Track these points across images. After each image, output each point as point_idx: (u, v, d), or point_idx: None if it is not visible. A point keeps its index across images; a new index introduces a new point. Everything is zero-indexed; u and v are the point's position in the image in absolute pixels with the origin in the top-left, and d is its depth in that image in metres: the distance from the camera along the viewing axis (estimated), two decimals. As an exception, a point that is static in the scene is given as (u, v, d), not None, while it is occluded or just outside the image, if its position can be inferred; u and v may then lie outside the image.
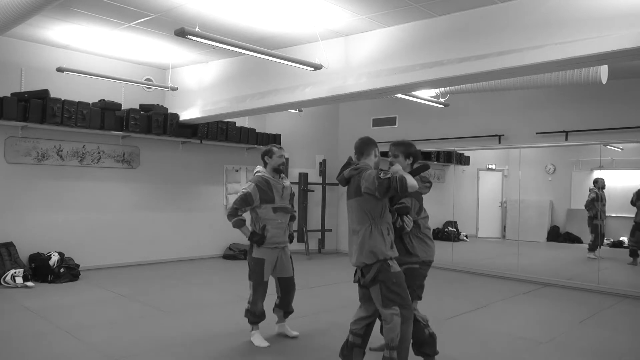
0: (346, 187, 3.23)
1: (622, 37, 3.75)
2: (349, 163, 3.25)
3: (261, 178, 4.02)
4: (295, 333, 4.19)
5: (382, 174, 2.93)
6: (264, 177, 4.03)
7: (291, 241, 4.21)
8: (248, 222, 4.04)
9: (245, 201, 3.93)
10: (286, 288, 4.13)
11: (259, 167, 4.12)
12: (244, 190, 3.97)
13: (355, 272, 3.19)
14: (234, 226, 3.99)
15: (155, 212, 7.95)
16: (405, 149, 3.39)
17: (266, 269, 3.99)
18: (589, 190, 8.53)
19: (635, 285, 6.45)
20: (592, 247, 8.38)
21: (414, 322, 3.14)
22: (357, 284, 3.23)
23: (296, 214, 4.43)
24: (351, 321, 3.25)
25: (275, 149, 4.09)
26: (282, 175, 4.15)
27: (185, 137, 7.91)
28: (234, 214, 3.95)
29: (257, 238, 3.96)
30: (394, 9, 4.90)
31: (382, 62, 5.35)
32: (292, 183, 5.00)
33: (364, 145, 3.28)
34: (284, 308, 4.18)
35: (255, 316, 4.02)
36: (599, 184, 8.30)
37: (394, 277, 2.98)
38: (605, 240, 8.88)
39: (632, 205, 8.32)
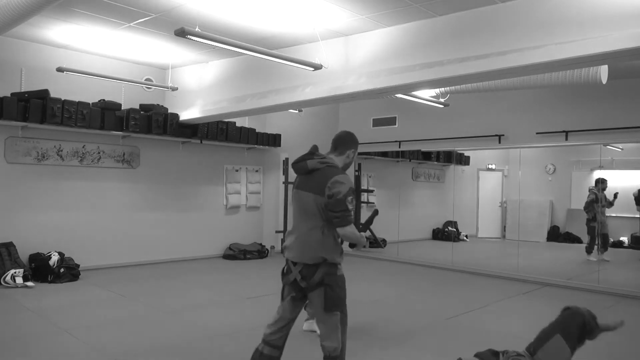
0: (302, 175, 2.91)
1: (622, 37, 3.75)
2: (312, 153, 2.93)
3: None
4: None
5: (350, 203, 2.70)
6: None
7: None
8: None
9: None
10: None
11: None
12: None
13: (288, 269, 2.87)
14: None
15: (155, 212, 7.95)
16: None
17: None
18: (589, 190, 8.50)
19: (635, 285, 6.45)
20: (590, 249, 8.37)
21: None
22: (286, 283, 2.89)
23: None
24: (267, 330, 2.86)
25: None
26: None
27: (185, 137, 7.91)
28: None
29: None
30: (394, 9, 4.90)
31: (382, 62, 5.35)
32: (290, 183, 5.00)
33: (342, 143, 2.97)
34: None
35: None
36: (601, 185, 8.25)
37: (340, 281, 2.82)
38: (610, 240, 8.86)
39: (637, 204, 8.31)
